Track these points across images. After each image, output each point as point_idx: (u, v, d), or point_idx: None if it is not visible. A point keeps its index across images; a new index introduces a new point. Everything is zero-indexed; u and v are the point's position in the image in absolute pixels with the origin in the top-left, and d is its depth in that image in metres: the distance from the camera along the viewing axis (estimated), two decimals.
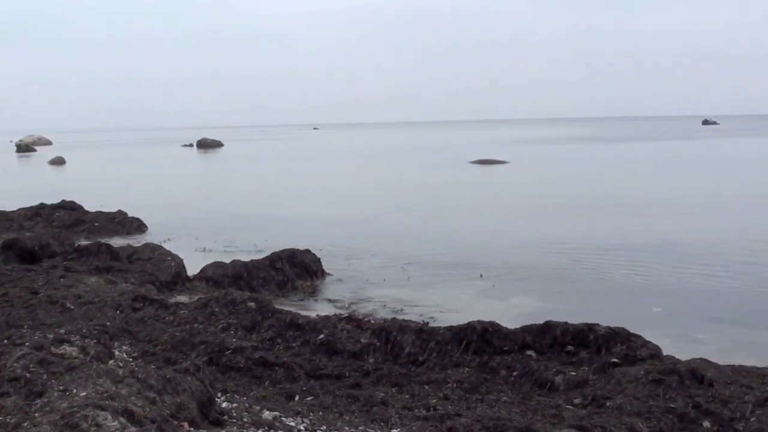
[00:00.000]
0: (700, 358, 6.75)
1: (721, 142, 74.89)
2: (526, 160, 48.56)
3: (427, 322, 8.85)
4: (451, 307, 11.20)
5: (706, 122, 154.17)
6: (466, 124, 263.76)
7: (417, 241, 17.28)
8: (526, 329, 7.77)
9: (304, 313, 9.52)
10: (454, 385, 7.02)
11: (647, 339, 7.55)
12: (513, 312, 10.76)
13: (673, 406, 5.84)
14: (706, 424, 5.64)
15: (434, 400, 6.62)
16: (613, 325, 7.77)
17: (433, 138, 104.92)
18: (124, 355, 7.90)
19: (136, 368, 5.89)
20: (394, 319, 8.65)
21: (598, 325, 7.60)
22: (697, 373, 6.23)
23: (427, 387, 7.01)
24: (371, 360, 7.77)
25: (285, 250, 13.25)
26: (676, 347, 8.75)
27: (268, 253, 13.31)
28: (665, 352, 7.52)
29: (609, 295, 12.12)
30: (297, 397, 6.73)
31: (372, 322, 8.62)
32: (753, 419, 5.59)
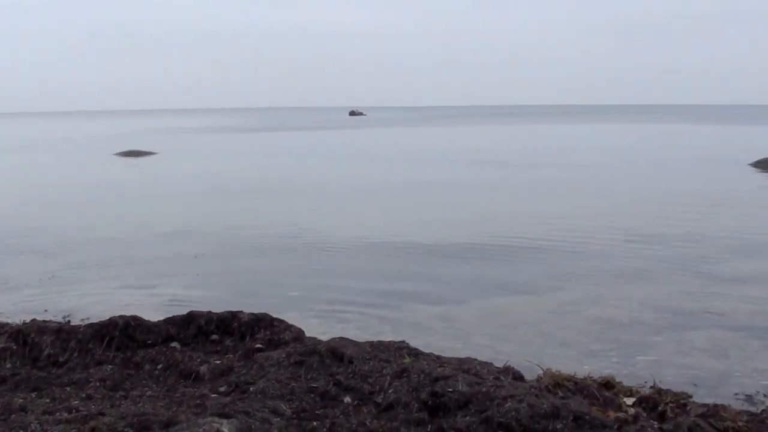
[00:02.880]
0: (340, 337, 6.94)
1: (358, 131, 78.93)
2: (175, 151, 48.26)
3: (69, 321, 8.49)
4: (96, 303, 10.85)
5: (353, 113, 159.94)
6: (125, 114, 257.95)
7: (59, 238, 16.61)
8: (169, 321, 7.64)
9: None
10: (98, 383, 6.75)
11: (291, 323, 7.67)
12: (159, 304, 10.63)
13: (315, 385, 5.97)
14: (347, 399, 5.82)
15: (76, 402, 6.33)
16: (258, 311, 7.84)
17: (81, 128, 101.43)
18: None
19: None
20: (33, 320, 8.18)
21: (241, 312, 7.61)
22: (337, 352, 6.40)
23: (68, 389, 6.69)
24: (8, 365, 7.31)
25: None
26: (321, 329, 9.02)
27: None
28: (311, 334, 7.68)
29: (253, 281, 12.31)
30: None
31: (9, 325, 8.15)
32: (391, 390, 5.84)
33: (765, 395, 7.32)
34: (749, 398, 7.33)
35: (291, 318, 8.05)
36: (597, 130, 79.80)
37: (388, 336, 8.34)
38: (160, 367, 6.98)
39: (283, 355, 6.50)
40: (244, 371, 6.52)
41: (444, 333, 9.45)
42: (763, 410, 6.25)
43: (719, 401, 6.35)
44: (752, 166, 33.01)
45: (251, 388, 6.00)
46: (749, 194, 24.78)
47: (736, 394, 7.47)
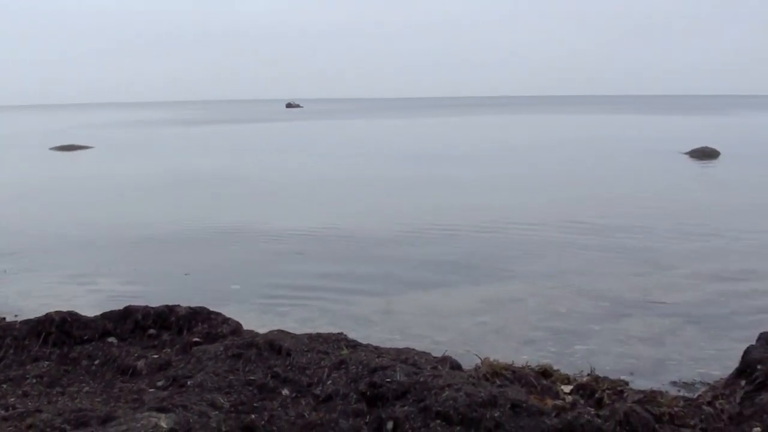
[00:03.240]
0: (278, 330, 6.93)
1: (291, 124, 79.49)
2: (110, 145, 47.95)
3: (4, 318, 8.39)
4: (33, 298, 10.75)
5: (289, 105, 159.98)
6: (66, 108, 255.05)
7: None
8: (106, 316, 7.55)
9: None
10: (34, 380, 6.67)
11: (229, 316, 7.64)
12: (96, 299, 10.56)
13: (253, 378, 5.96)
14: (285, 391, 5.82)
15: (13, 399, 6.25)
16: (198, 304, 7.78)
17: (13, 123, 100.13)
18: None
19: None
20: None
21: (179, 306, 7.54)
22: (275, 344, 6.39)
23: (4, 386, 6.61)
24: None
25: None
26: (260, 321, 9.03)
27: None
28: (249, 327, 7.64)
29: (194, 274, 12.26)
30: None
31: None
32: (329, 382, 5.86)
33: (701, 382, 7.46)
34: (686, 385, 7.48)
35: (230, 311, 8.04)
36: (551, 121, 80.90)
37: (327, 328, 8.36)
38: (97, 362, 6.91)
39: (221, 349, 6.47)
40: (181, 365, 6.48)
41: (383, 324, 9.51)
42: (699, 396, 6.37)
43: (656, 388, 6.46)
44: (687, 154, 33.71)
45: (189, 382, 5.97)
46: (683, 182, 25.30)
47: (673, 381, 7.62)
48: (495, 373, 6.45)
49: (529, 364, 6.94)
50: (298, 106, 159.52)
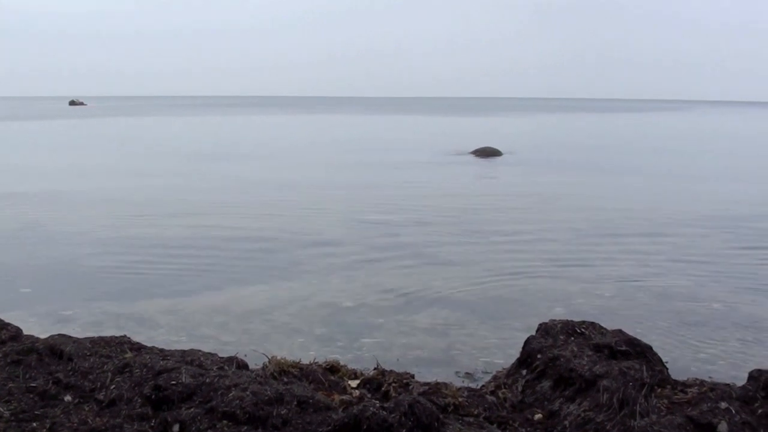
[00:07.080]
0: (59, 334, 6.73)
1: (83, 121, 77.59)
2: None
3: None
4: None
5: (73, 103, 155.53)
6: None
7: None
8: None
9: None
10: None
11: (10, 321, 7.38)
12: None
13: (33, 385, 5.80)
14: (68, 398, 5.70)
15: None
16: None
17: None
18: None
19: None
20: None
21: None
22: (56, 349, 6.23)
23: None
24: None
25: None
26: (44, 327, 8.77)
27: None
28: (32, 333, 7.41)
29: None
30: None
31: None
32: (112, 386, 5.76)
33: (484, 371, 7.77)
34: (469, 375, 7.77)
35: (12, 316, 7.77)
36: (314, 121, 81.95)
37: (112, 332, 8.22)
38: None
39: (0, 355, 6.27)
40: None
41: (168, 326, 9.41)
42: (483, 386, 6.62)
43: (441, 379, 6.67)
44: (472, 153, 34.95)
45: None
46: (467, 180, 26.15)
47: (457, 371, 7.89)
48: (282, 371, 6.51)
49: (316, 360, 7.03)
50: (81, 103, 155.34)
